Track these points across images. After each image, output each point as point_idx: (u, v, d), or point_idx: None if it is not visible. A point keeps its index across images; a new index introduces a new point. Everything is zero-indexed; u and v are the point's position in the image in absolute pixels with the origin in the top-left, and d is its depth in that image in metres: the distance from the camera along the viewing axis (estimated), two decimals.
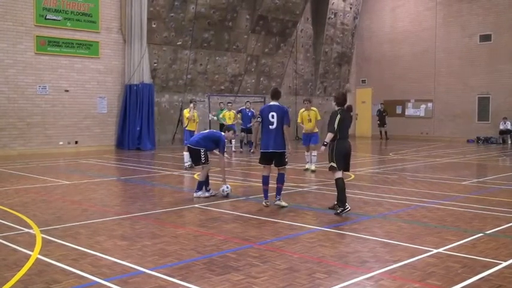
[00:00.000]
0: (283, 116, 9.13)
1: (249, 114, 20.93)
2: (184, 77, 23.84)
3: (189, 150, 10.48)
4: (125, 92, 22.17)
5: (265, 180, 9.30)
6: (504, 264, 5.73)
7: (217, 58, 24.76)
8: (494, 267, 5.62)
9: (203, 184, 10.16)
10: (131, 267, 5.62)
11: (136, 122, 21.88)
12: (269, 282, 5.13)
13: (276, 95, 9.44)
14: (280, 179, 9.26)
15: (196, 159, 10.22)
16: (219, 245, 6.57)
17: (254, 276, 5.32)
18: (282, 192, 9.41)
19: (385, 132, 28.75)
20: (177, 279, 5.22)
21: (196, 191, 10.17)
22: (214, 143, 10.20)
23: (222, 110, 21.36)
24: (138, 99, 21.91)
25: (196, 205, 9.35)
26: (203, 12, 23.23)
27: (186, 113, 15.27)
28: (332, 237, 7.00)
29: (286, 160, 9.39)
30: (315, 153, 13.97)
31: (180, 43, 23.15)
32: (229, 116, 20.07)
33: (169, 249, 6.34)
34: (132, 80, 22.06)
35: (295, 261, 5.84)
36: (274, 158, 9.18)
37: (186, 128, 15.17)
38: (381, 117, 28.73)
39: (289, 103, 27.99)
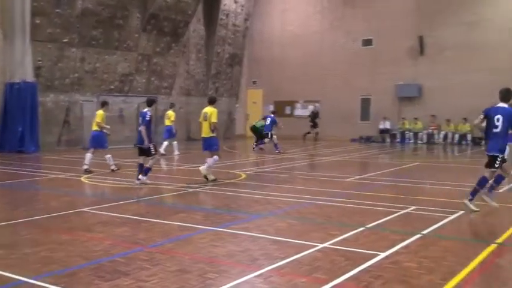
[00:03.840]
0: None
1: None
2: (71, 75, 22.84)
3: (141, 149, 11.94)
4: (4, 91, 20.81)
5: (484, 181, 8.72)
6: (383, 255, 6.12)
7: (106, 57, 23.98)
8: (374, 258, 5.98)
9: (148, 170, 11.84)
10: (11, 277, 5.30)
11: (18, 123, 20.61)
12: (160, 285, 5.09)
13: (507, 96, 8.71)
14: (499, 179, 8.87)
15: (148, 153, 11.81)
16: (107, 249, 6.40)
17: (144, 279, 5.24)
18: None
19: (316, 134, 28.32)
20: (62, 287, 5.01)
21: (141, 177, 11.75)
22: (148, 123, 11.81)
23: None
24: (20, 99, 20.65)
25: (84, 209, 9.02)
26: (91, 8, 22.40)
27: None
28: (223, 237, 7.07)
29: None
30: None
31: (66, 40, 22.16)
32: (168, 117, 19.47)
33: (54, 257, 6.06)
34: (13, 78, 20.76)
35: (186, 263, 5.83)
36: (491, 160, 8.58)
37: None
38: (313, 118, 28.46)
39: (180, 103, 27.82)
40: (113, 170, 14.35)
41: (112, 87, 24.70)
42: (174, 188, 11.49)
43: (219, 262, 5.88)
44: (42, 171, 14.90)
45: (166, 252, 6.28)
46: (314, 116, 28.70)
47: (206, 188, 11.51)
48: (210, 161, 12.30)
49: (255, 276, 5.39)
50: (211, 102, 12.46)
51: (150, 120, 11.86)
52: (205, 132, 12.23)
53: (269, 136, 20.91)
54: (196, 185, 11.78)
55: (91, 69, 23.54)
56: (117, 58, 24.45)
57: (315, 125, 28.39)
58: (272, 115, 21.82)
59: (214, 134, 12.26)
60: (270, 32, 31.76)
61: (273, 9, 31.69)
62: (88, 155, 14.28)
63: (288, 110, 31.00)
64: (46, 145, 21.77)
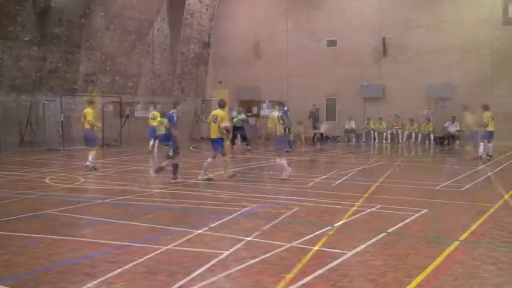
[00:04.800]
0: None
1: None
2: (33, 75, 22.37)
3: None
4: None
5: None
6: (350, 254, 6.20)
7: (69, 56, 23.57)
8: (341, 257, 6.06)
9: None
10: None
11: None
12: (127, 287, 5.04)
13: None
14: None
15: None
16: (72, 252, 6.30)
17: (111, 282, 5.18)
18: None
19: (321, 134, 27.11)
20: None
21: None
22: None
23: (238, 113, 21.50)
24: None
25: (48, 211, 8.84)
26: (53, 6, 21.99)
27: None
28: (192, 238, 7.01)
29: None
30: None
31: (27, 39, 21.68)
32: (154, 117, 19.58)
33: (18, 260, 5.94)
34: None
35: (154, 264, 5.78)
36: None
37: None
38: (314, 118, 26.73)
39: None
40: (87, 166, 14.39)
41: (75, 86, 24.29)
42: (141, 190, 11.36)
43: (188, 263, 5.85)
44: (3, 172, 14.53)
45: (133, 253, 6.21)
46: (314, 115, 26.76)
47: (174, 188, 11.43)
48: (205, 165, 12.92)
49: (224, 277, 5.39)
50: (221, 105, 13.16)
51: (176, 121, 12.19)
52: (214, 133, 12.81)
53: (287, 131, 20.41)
54: (164, 186, 11.69)
55: (53, 69, 23.11)
56: (80, 57, 24.06)
57: (316, 126, 26.66)
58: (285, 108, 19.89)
59: (222, 136, 12.87)
60: (235, 31, 31.73)
61: (238, 10, 31.66)
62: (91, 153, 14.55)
63: (254, 110, 31.02)
64: (8, 146, 21.26)
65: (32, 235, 7.16)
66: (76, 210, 8.98)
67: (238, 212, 8.77)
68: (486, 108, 17.70)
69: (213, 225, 7.75)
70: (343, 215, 8.46)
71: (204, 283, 5.18)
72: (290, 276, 5.39)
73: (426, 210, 8.87)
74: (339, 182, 12.74)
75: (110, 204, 9.66)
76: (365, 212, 8.73)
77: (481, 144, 17.62)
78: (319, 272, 5.52)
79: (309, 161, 18.19)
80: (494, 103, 24.01)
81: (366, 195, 10.79)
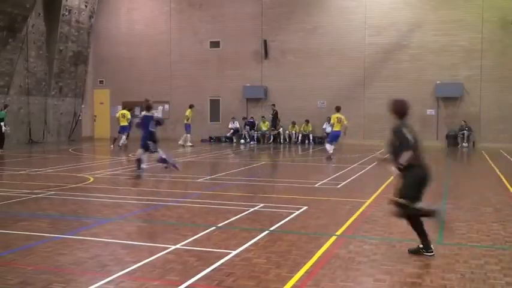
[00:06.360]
0: None
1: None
2: None
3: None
4: None
5: None
6: (234, 253, 6.30)
7: None
8: (225, 256, 6.14)
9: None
10: None
11: None
12: None
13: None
14: None
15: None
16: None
17: None
18: None
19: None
20: None
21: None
22: None
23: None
24: None
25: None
26: None
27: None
28: (70, 244, 6.75)
29: None
30: None
31: None
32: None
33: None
34: None
35: (29, 274, 5.48)
36: None
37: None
38: (274, 120, 26.76)
39: (20, 103, 25.97)
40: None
41: None
42: (14, 195, 10.65)
43: (66, 271, 5.61)
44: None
45: (6, 264, 5.84)
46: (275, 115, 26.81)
47: (52, 193, 10.87)
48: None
49: (105, 283, 5.24)
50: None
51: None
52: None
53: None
54: (40, 191, 11.08)
55: None
56: None
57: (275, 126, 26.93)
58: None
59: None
60: (117, 30, 30.88)
61: (119, 8, 30.83)
62: None
63: (137, 111, 30.37)
64: None
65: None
66: None
67: (121, 216, 8.56)
68: (337, 109, 18.23)
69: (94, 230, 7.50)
70: (227, 215, 8.56)
71: None
72: (175, 278, 5.37)
73: (306, 207, 9.24)
74: (222, 182, 12.88)
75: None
76: (248, 212, 8.91)
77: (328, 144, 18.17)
78: (204, 272, 5.55)
79: (193, 161, 18.18)
80: (366, 103, 25.85)
81: (249, 194, 11.03)
